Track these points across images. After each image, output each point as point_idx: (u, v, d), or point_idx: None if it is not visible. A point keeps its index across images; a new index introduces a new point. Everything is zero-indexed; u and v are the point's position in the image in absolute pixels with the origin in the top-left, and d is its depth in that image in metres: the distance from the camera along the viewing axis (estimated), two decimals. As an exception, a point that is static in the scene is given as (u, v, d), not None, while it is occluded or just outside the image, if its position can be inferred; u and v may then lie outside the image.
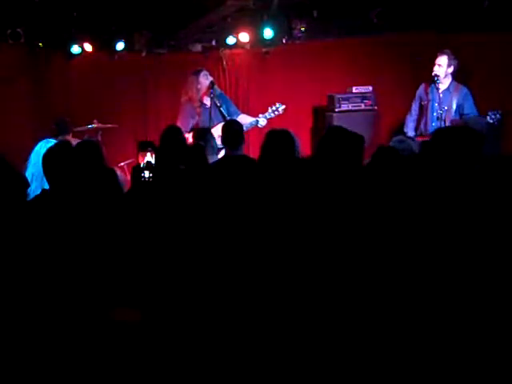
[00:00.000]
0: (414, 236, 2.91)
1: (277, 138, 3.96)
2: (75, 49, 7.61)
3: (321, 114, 7.94)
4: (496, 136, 6.30)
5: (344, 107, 7.54)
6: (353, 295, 2.83)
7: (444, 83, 6.62)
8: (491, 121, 6.13)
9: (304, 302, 2.85)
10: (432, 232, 2.88)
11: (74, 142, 6.60)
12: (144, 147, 4.22)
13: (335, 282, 2.88)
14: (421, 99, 6.76)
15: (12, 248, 3.20)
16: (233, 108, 6.89)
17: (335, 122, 7.38)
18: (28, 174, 4.15)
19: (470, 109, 6.52)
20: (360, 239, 2.99)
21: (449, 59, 6.55)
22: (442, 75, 6.56)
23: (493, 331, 2.63)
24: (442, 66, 6.56)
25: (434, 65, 6.61)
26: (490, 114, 6.15)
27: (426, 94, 6.70)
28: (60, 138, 6.98)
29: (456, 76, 6.70)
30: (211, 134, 5.58)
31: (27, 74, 7.79)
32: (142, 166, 3.99)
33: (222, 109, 6.66)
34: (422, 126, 6.73)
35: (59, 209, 3.44)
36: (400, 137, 4.77)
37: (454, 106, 6.53)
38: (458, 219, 2.91)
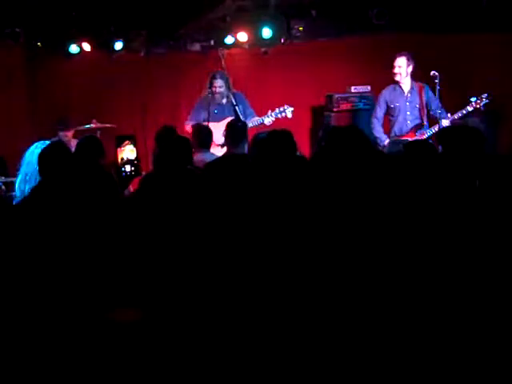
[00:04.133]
0: (416, 234, 2.91)
1: (278, 138, 3.95)
2: (74, 48, 7.59)
3: (319, 114, 7.94)
4: (491, 137, 6.32)
5: (343, 107, 7.54)
6: (353, 295, 2.83)
7: (406, 83, 6.78)
8: (478, 106, 6.27)
9: (303, 302, 2.85)
10: (434, 230, 2.88)
11: (74, 142, 6.64)
12: (121, 142, 4.07)
13: (335, 281, 2.87)
14: (387, 102, 6.86)
15: (9, 247, 3.21)
16: (249, 110, 6.88)
17: (334, 122, 7.39)
18: (22, 174, 4.15)
19: (435, 104, 6.60)
20: (360, 237, 2.98)
21: (407, 59, 6.71)
22: (403, 75, 6.71)
23: (493, 330, 2.63)
24: (402, 67, 6.72)
25: (393, 67, 6.74)
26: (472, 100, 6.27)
27: (393, 96, 6.82)
28: (60, 132, 7.01)
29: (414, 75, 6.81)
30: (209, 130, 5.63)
31: (26, 73, 7.78)
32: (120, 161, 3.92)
33: (237, 108, 6.63)
34: (395, 128, 6.80)
35: (54, 206, 3.46)
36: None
37: (424, 103, 6.67)
38: (459, 218, 2.91)
